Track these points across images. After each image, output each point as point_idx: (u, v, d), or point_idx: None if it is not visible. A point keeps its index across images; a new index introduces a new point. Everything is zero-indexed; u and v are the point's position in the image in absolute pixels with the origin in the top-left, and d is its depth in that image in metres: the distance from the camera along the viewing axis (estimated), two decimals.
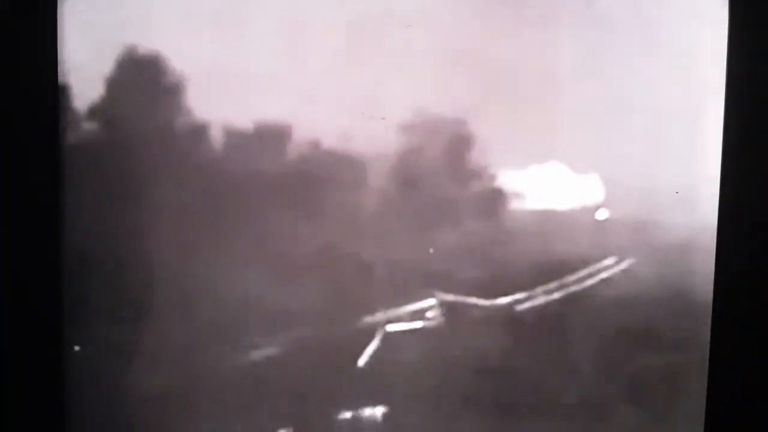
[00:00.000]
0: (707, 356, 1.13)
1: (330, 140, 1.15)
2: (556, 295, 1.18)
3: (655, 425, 1.19)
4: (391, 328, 1.18)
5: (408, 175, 1.16)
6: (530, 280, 1.18)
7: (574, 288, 1.18)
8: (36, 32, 1.08)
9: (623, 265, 1.18)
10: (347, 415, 1.19)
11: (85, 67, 1.12)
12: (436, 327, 1.19)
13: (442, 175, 1.17)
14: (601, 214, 1.15)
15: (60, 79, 1.10)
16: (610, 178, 1.17)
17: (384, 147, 1.15)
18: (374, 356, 1.18)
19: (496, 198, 1.17)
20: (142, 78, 1.13)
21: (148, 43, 1.13)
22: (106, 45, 1.12)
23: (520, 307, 1.18)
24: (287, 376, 1.19)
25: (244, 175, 1.16)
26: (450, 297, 1.18)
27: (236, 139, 1.15)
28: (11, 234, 1.09)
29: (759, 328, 1.11)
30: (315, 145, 1.15)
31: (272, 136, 1.15)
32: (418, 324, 1.19)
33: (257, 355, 1.18)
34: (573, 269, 1.18)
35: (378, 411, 1.19)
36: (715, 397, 1.12)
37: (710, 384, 1.12)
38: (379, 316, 1.18)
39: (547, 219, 1.17)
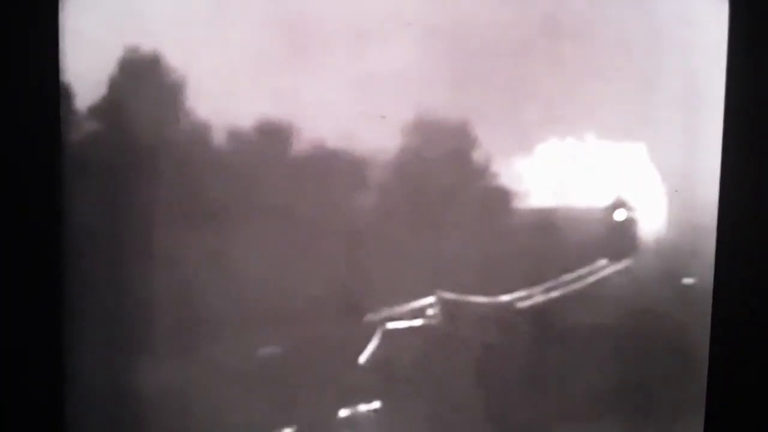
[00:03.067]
0: (707, 354, 1.13)
1: (330, 139, 1.15)
2: (557, 293, 1.18)
3: (655, 425, 1.19)
4: (391, 325, 1.18)
5: (409, 173, 1.16)
6: (531, 279, 1.18)
7: (575, 286, 1.18)
8: (37, 33, 1.07)
9: (623, 263, 1.18)
10: (348, 412, 1.19)
11: (85, 67, 1.11)
12: (436, 325, 1.19)
13: (442, 172, 1.17)
14: (620, 215, 1.16)
15: (61, 80, 1.10)
16: (611, 176, 1.17)
17: (385, 145, 1.15)
18: (375, 354, 1.18)
19: (497, 196, 1.17)
20: (142, 78, 1.13)
21: (148, 43, 1.12)
22: (106, 46, 1.12)
23: (521, 305, 1.18)
24: (287, 374, 1.18)
25: (245, 175, 1.15)
26: (451, 295, 1.18)
27: (237, 139, 1.14)
28: (12, 235, 1.08)
29: (759, 327, 1.11)
30: (316, 144, 1.15)
31: (273, 136, 1.15)
32: (418, 322, 1.19)
33: (257, 353, 1.18)
34: (574, 267, 1.18)
35: (378, 409, 1.19)
36: (715, 396, 1.12)
37: (710, 382, 1.13)
38: (380, 313, 1.18)
39: (548, 217, 1.17)
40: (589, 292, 1.18)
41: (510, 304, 1.18)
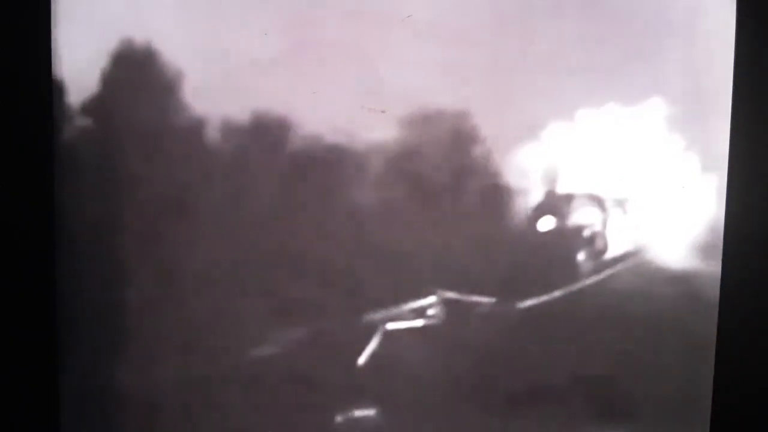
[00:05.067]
0: (713, 353, 1.12)
1: (330, 134, 1.14)
2: (560, 293, 1.17)
3: (661, 424, 1.18)
4: (391, 326, 1.17)
5: (409, 168, 1.15)
6: (534, 277, 1.17)
7: (578, 285, 1.17)
8: (30, 26, 1.07)
9: (629, 262, 1.17)
10: (347, 413, 1.18)
11: (79, 61, 1.11)
12: (437, 325, 1.17)
13: (443, 168, 1.16)
14: (546, 224, 1.15)
15: (54, 73, 1.09)
16: (614, 173, 1.16)
17: (385, 140, 1.14)
18: (374, 355, 1.17)
19: (498, 192, 1.16)
20: (137, 72, 1.13)
21: (143, 36, 1.12)
22: (100, 39, 1.12)
23: (523, 305, 1.17)
24: (287, 375, 1.18)
25: (243, 170, 1.15)
26: (451, 294, 1.17)
27: (234, 133, 1.14)
28: (4, 230, 1.08)
29: (766, 324, 1.11)
30: (315, 139, 1.14)
31: (271, 131, 1.14)
32: (419, 322, 1.18)
33: (256, 353, 1.17)
34: (577, 266, 1.17)
35: (377, 410, 1.18)
36: (722, 395, 1.11)
37: (716, 381, 1.12)
38: (380, 314, 1.17)
39: (551, 213, 1.16)
40: (594, 290, 1.17)
41: (512, 303, 1.17)
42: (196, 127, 1.14)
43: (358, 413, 1.19)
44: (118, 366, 1.17)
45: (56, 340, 1.11)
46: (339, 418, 1.19)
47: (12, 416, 1.10)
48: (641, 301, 1.17)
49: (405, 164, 1.15)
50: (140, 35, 1.12)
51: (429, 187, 1.16)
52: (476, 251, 1.17)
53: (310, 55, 1.13)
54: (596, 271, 1.17)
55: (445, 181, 1.16)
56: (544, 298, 1.17)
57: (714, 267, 1.12)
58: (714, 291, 1.12)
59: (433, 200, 1.16)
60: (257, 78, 1.13)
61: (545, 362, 1.18)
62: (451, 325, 1.17)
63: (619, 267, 1.17)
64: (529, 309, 1.17)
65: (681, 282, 1.16)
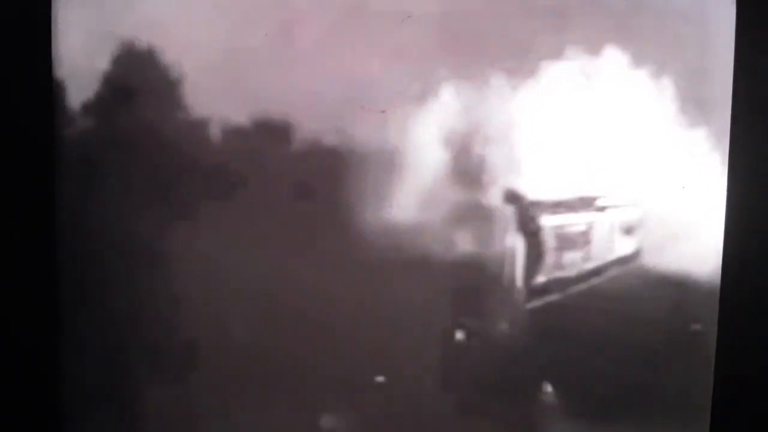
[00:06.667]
0: (713, 353, 1.12)
1: (329, 135, 1.14)
2: (561, 295, 1.17)
3: (660, 423, 1.19)
4: (394, 325, 1.17)
5: (410, 169, 1.15)
6: (538, 278, 1.17)
7: (578, 286, 1.17)
8: (29, 27, 1.07)
9: (630, 262, 1.17)
10: (348, 413, 1.18)
11: (79, 62, 1.11)
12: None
13: (443, 169, 1.16)
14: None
15: (54, 74, 1.09)
16: (616, 173, 1.16)
17: (384, 141, 1.14)
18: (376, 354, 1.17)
19: (501, 192, 1.16)
20: (138, 73, 1.12)
21: (144, 37, 1.12)
22: (101, 40, 1.11)
23: (529, 305, 1.17)
24: (287, 374, 1.18)
25: (243, 172, 1.14)
26: (455, 293, 1.17)
27: (234, 134, 1.14)
28: (6, 231, 1.08)
29: (766, 324, 1.11)
30: (314, 139, 1.14)
31: (271, 132, 1.14)
32: (420, 321, 1.18)
33: (257, 353, 1.17)
34: (579, 266, 1.17)
35: (379, 410, 1.18)
36: (722, 394, 1.12)
37: (716, 383, 1.12)
38: (383, 313, 1.17)
39: (554, 212, 1.17)
40: (596, 291, 1.17)
41: (518, 303, 1.17)
42: (197, 127, 1.13)
43: (360, 412, 1.18)
44: (119, 366, 1.17)
45: (57, 340, 1.11)
46: (340, 418, 1.19)
47: (12, 417, 1.10)
48: (641, 301, 1.17)
49: (405, 164, 1.15)
50: (141, 37, 1.11)
51: (429, 185, 1.16)
52: (479, 250, 1.17)
53: (310, 55, 1.13)
54: (599, 272, 1.17)
55: (446, 180, 1.16)
56: (545, 299, 1.17)
57: (714, 267, 1.13)
58: (714, 292, 1.12)
59: (433, 200, 1.16)
60: (256, 79, 1.12)
61: (546, 362, 1.18)
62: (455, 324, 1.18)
63: (618, 267, 1.17)
64: (530, 310, 1.17)
65: (681, 282, 1.16)
